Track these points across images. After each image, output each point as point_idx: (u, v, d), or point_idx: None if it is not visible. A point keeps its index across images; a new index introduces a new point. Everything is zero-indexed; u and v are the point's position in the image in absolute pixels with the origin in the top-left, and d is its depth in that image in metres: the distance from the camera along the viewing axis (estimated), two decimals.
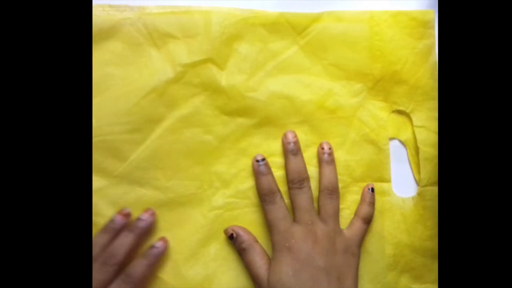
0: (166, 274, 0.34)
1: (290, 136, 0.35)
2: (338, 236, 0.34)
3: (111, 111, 0.35)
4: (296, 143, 0.35)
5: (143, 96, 0.35)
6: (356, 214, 0.36)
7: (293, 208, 0.34)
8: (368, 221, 0.36)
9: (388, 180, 0.37)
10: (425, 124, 0.37)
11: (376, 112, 0.37)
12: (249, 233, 0.35)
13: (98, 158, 0.34)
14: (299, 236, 0.33)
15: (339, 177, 0.36)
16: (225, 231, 0.35)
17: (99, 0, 0.35)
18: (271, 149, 0.36)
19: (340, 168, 0.37)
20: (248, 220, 0.35)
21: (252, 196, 0.36)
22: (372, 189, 0.36)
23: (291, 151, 0.35)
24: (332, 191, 0.35)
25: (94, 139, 0.34)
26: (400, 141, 0.38)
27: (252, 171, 0.35)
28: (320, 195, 0.35)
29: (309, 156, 0.36)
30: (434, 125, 0.37)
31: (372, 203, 0.36)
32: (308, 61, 0.37)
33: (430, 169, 0.37)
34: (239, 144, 0.36)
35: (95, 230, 0.34)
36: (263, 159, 0.35)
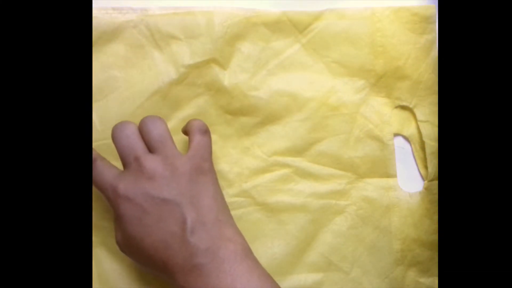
0: None
1: None
2: (176, 158, 0.28)
3: (115, 114, 0.34)
4: None
5: (147, 98, 0.34)
6: (188, 131, 0.31)
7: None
8: (204, 131, 0.30)
9: (394, 176, 0.36)
10: (429, 118, 0.36)
11: (380, 108, 0.36)
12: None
13: None
14: (129, 180, 0.28)
15: (344, 173, 0.36)
16: None
17: (102, 3, 0.34)
18: (274, 148, 0.35)
19: (345, 165, 0.36)
20: (252, 219, 0.35)
21: (256, 195, 0.35)
22: None
23: None
24: (153, 116, 0.30)
25: (98, 143, 0.34)
26: (404, 137, 0.37)
27: None
28: (140, 126, 0.30)
29: (313, 154, 0.36)
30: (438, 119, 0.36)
31: (197, 119, 0.32)
32: (311, 59, 0.36)
33: (437, 163, 0.36)
34: (243, 143, 0.35)
35: (101, 234, 0.33)
36: None
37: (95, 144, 0.34)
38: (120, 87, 0.34)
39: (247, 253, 0.28)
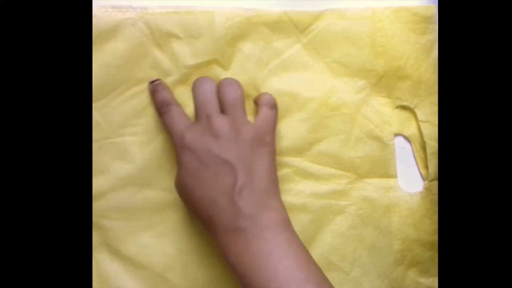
0: (174, 275, 0.33)
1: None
2: (243, 125, 0.30)
3: (120, 113, 0.34)
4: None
5: (151, 98, 0.34)
6: (258, 103, 0.33)
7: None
8: (272, 106, 0.33)
9: (394, 176, 0.36)
10: (430, 118, 0.36)
11: (380, 108, 0.36)
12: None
13: (105, 160, 0.33)
14: (196, 133, 0.30)
15: (344, 173, 0.36)
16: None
17: (102, 1, 0.34)
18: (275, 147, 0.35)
19: (345, 165, 0.36)
20: None
21: None
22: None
23: None
24: (232, 79, 0.32)
25: (103, 142, 0.33)
26: (405, 137, 0.37)
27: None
28: (219, 86, 0.32)
29: (314, 154, 0.35)
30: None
31: (268, 93, 0.34)
32: (311, 59, 0.36)
33: (437, 163, 0.36)
34: None
35: (101, 234, 0.33)
36: (158, 79, 0.33)
37: (99, 143, 0.33)
38: (122, 85, 0.34)
39: (288, 224, 0.29)
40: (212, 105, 0.31)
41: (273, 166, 0.31)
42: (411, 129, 0.37)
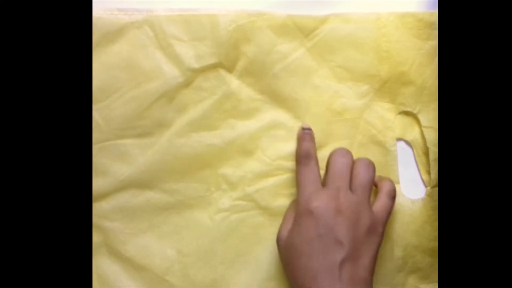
0: (174, 277, 0.33)
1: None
2: (365, 210, 0.31)
3: (121, 115, 0.34)
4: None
5: (152, 100, 0.34)
6: (379, 189, 0.33)
7: (326, 173, 0.32)
8: (392, 196, 0.33)
9: (396, 182, 0.36)
10: (433, 124, 0.36)
11: (383, 114, 0.36)
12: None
13: (106, 162, 0.33)
14: (322, 202, 0.30)
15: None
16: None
17: (108, 4, 0.34)
18: (278, 152, 0.35)
19: None
20: (254, 222, 0.34)
21: (258, 198, 0.35)
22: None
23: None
24: (370, 162, 0.32)
25: (104, 144, 0.33)
26: (407, 142, 0.37)
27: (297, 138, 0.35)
28: (355, 163, 0.32)
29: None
30: None
31: (390, 179, 0.34)
32: (315, 63, 0.36)
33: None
34: (247, 147, 0.35)
35: (102, 234, 0.33)
36: (309, 129, 0.34)
37: (100, 145, 0.33)
38: (124, 87, 0.34)
39: None
40: (345, 179, 0.31)
41: (376, 257, 0.31)
42: (413, 134, 0.37)
